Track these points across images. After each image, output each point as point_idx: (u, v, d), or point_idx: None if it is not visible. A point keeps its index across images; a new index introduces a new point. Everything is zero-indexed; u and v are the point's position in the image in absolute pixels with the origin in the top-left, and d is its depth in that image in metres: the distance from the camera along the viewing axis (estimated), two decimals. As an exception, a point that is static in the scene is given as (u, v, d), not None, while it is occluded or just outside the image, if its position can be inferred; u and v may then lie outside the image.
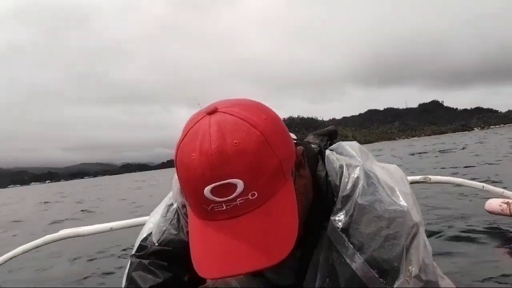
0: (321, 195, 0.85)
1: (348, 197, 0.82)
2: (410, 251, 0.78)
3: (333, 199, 0.84)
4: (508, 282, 2.00)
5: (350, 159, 0.88)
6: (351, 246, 0.79)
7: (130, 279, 0.95)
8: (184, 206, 0.97)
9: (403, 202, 0.82)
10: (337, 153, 0.92)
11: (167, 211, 1.03)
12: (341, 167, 0.87)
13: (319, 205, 0.85)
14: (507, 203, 2.80)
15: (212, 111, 0.69)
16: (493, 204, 2.93)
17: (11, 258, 2.28)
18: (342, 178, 0.85)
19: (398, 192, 0.83)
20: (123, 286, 0.99)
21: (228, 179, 0.63)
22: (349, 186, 0.83)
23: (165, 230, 0.99)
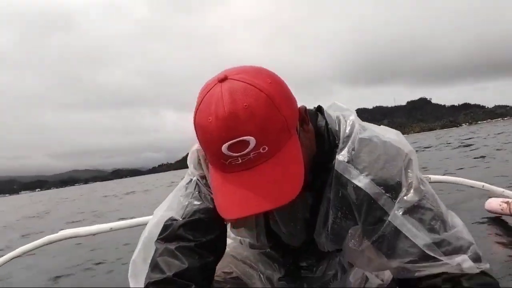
0: (323, 142, 0.98)
1: (348, 137, 0.94)
2: (408, 169, 0.90)
3: (335, 143, 0.96)
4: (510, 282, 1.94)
5: (344, 111, 1.01)
6: (357, 171, 0.90)
7: (154, 265, 0.96)
8: (203, 177, 1.05)
9: (395, 137, 0.96)
10: (332, 109, 1.05)
11: (186, 188, 1.07)
12: (337, 116, 1.00)
13: (324, 151, 0.96)
14: (507, 202, 2.82)
15: (222, 79, 0.79)
16: (493, 203, 2.97)
17: (11, 259, 2.29)
18: (341, 124, 0.97)
19: (389, 132, 0.99)
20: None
21: (241, 137, 0.75)
22: (348, 128, 0.95)
23: (187, 204, 1.03)
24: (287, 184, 0.80)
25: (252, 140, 0.75)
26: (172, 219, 1.02)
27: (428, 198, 0.88)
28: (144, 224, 2.38)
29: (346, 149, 0.92)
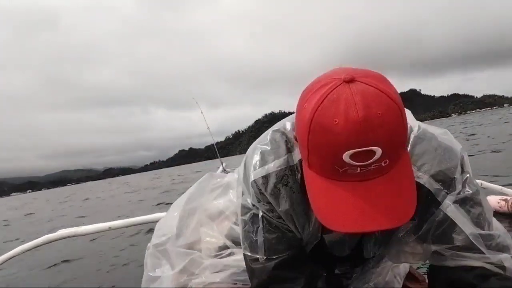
0: None
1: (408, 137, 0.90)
2: (463, 166, 0.89)
3: None
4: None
5: None
6: (416, 167, 0.87)
7: None
8: (269, 210, 0.97)
9: (446, 135, 0.95)
10: None
11: (252, 224, 1.01)
12: None
13: None
14: (505, 200, 2.88)
15: (350, 80, 0.71)
16: (492, 201, 2.97)
17: (10, 258, 2.29)
18: None
19: (439, 130, 0.97)
20: None
21: (370, 146, 0.68)
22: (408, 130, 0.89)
23: (264, 241, 0.99)
24: (404, 202, 0.75)
25: (379, 151, 0.69)
26: (254, 259, 1.00)
27: (480, 195, 0.88)
28: (142, 223, 2.46)
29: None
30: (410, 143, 0.89)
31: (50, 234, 2.29)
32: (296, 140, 0.85)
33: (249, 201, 1.00)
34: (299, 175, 0.92)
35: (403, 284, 1.29)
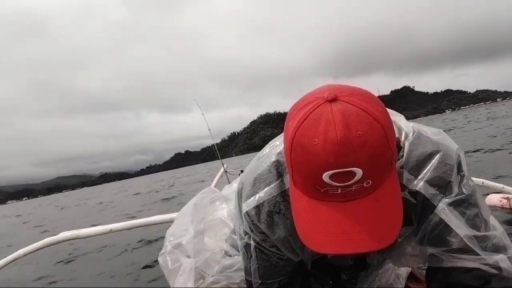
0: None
1: (402, 144, 0.90)
2: (459, 168, 0.88)
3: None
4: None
5: (393, 116, 0.91)
6: (411, 175, 0.87)
7: None
8: (263, 240, 0.97)
9: (440, 135, 0.93)
10: None
11: (246, 253, 1.03)
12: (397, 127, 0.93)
13: None
14: (507, 198, 2.91)
15: (332, 99, 0.70)
16: (493, 199, 3.03)
17: (12, 261, 2.29)
18: (402, 134, 0.93)
19: (433, 131, 0.95)
20: None
21: (350, 167, 0.67)
22: (403, 137, 0.92)
23: (258, 267, 1.01)
24: (387, 223, 0.74)
25: (359, 172, 0.68)
26: (250, 281, 1.04)
27: (475, 196, 0.87)
28: (143, 226, 2.48)
29: (401, 158, 0.89)
30: (405, 150, 0.88)
31: (52, 237, 2.30)
32: None
33: (242, 229, 1.01)
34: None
35: (405, 285, 1.31)
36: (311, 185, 0.73)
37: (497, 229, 0.88)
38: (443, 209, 0.85)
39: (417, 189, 0.86)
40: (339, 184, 0.69)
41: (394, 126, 0.88)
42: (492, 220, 0.90)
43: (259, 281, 1.01)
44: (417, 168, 0.87)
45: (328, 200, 0.73)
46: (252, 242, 1.00)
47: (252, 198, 0.95)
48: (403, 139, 0.91)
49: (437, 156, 0.87)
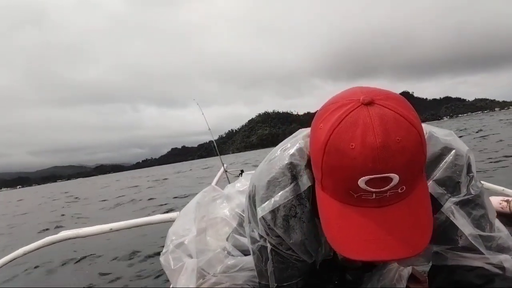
0: None
1: None
2: (469, 169, 0.87)
3: None
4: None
5: None
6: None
7: None
8: (280, 243, 0.96)
9: (451, 136, 0.92)
10: None
11: (261, 255, 1.01)
12: None
13: None
14: (507, 201, 2.83)
15: (369, 102, 0.68)
16: (493, 202, 2.91)
17: (12, 260, 2.27)
18: None
19: (444, 132, 0.94)
20: None
21: (387, 173, 0.65)
22: None
23: (273, 270, 1.00)
24: (420, 230, 0.73)
25: (396, 178, 0.66)
26: (265, 285, 1.04)
27: (483, 197, 0.87)
28: (144, 225, 2.50)
29: None
30: None
31: (52, 236, 2.29)
32: (308, 161, 0.86)
33: (257, 232, 1.00)
34: (308, 203, 0.90)
35: (406, 286, 1.32)
36: (344, 190, 0.71)
37: (502, 231, 0.87)
38: (450, 208, 0.84)
39: None
40: (374, 190, 0.68)
41: None
42: (497, 223, 0.89)
43: (275, 284, 1.01)
44: (427, 168, 0.85)
45: (360, 206, 0.72)
46: (268, 244, 0.98)
47: (267, 202, 0.93)
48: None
49: (447, 157, 0.86)
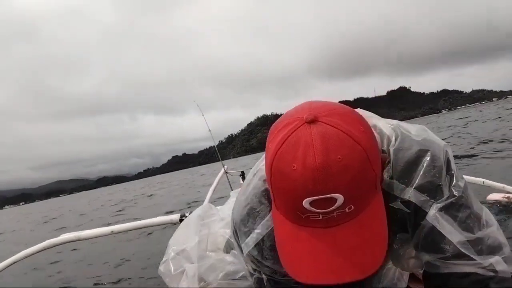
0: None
1: (388, 151, 0.86)
2: (448, 168, 0.85)
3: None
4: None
5: (369, 119, 0.91)
6: (402, 185, 0.83)
7: None
8: (273, 272, 0.94)
9: (424, 133, 0.89)
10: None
11: (259, 284, 1.00)
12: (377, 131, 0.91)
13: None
14: (508, 197, 2.90)
15: (312, 120, 0.68)
16: (494, 199, 3.05)
17: (13, 263, 2.29)
18: (383, 138, 0.89)
19: (416, 128, 0.91)
20: None
21: (329, 193, 0.65)
22: (385, 141, 0.88)
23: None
24: (372, 249, 0.71)
25: (340, 198, 0.65)
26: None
27: (466, 195, 0.84)
28: (144, 227, 2.49)
29: (387, 166, 0.86)
30: (391, 158, 0.85)
31: (53, 238, 2.31)
32: None
33: (249, 267, 0.98)
34: None
35: (407, 286, 1.31)
36: (292, 211, 0.70)
37: (490, 226, 0.85)
38: (434, 216, 0.82)
39: (408, 198, 0.83)
40: (320, 211, 0.67)
41: (375, 132, 0.87)
42: (486, 216, 0.86)
43: None
44: (406, 175, 0.84)
45: (310, 226, 0.70)
46: (263, 276, 0.97)
47: (250, 236, 0.91)
48: (386, 145, 0.88)
49: (425, 160, 0.84)
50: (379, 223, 0.73)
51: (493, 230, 0.84)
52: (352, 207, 0.68)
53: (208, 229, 1.57)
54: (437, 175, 0.83)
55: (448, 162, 0.86)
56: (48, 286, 3.48)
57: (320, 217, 0.68)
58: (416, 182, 0.83)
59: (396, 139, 0.87)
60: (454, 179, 0.84)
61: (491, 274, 0.80)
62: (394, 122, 0.94)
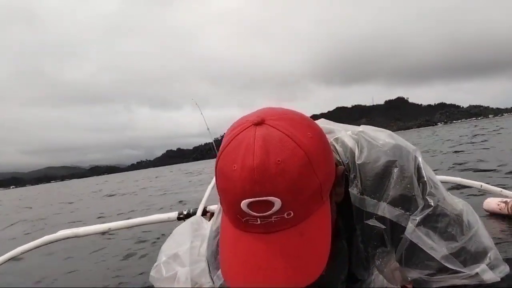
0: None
1: (353, 165, 0.85)
2: (419, 176, 0.82)
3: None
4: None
5: (332, 132, 0.93)
6: (373, 200, 0.82)
7: None
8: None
9: (391, 139, 0.87)
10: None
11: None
12: (335, 144, 0.91)
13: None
14: (505, 202, 2.81)
15: (258, 122, 0.67)
16: (491, 203, 2.96)
17: (10, 259, 2.26)
18: (347, 151, 0.89)
19: (382, 136, 0.89)
20: None
21: (266, 196, 0.62)
22: (348, 154, 0.88)
23: None
24: (309, 262, 0.67)
25: (277, 202, 0.63)
26: None
27: (443, 202, 0.82)
28: (142, 224, 2.51)
29: (354, 181, 0.84)
30: (359, 173, 0.84)
31: (50, 235, 2.28)
32: None
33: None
34: None
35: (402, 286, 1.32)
36: (233, 214, 0.69)
37: (474, 226, 0.83)
38: (413, 231, 0.79)
39: (382, 214, 0.82)
40: (257, 214, 0.64)
41: (337, 145, 0.88)
42: (467, 215, 0.84)
43: None
44: (376, 189, 0.82)
45: (249, 231, 0.68)
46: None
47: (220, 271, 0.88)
48: (350, 158, 0.86)
49: (394, 171, 0.82)
50: (322, 235, 0.70)
51: (477, 233, 0.82)
52: (292, 213, 0.65)
53: (200, 241, 1.60)
54: (408, 186, 0.81)
55: (418, 169, 0.83)
56: (45, 286, 3.55)
57: (259, 222, 0.66)
58: (388, 197, 0.81)
59: (361, 151, 0.86)
60: (428, 187, 0.82)
61: (478, 282, 0.79)
62: (359, 129, 0.93)
